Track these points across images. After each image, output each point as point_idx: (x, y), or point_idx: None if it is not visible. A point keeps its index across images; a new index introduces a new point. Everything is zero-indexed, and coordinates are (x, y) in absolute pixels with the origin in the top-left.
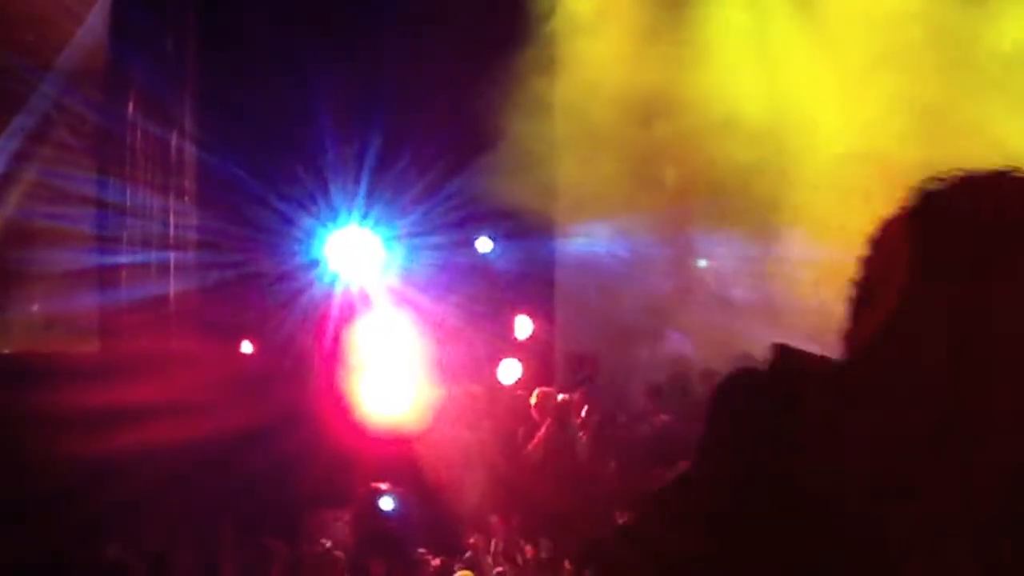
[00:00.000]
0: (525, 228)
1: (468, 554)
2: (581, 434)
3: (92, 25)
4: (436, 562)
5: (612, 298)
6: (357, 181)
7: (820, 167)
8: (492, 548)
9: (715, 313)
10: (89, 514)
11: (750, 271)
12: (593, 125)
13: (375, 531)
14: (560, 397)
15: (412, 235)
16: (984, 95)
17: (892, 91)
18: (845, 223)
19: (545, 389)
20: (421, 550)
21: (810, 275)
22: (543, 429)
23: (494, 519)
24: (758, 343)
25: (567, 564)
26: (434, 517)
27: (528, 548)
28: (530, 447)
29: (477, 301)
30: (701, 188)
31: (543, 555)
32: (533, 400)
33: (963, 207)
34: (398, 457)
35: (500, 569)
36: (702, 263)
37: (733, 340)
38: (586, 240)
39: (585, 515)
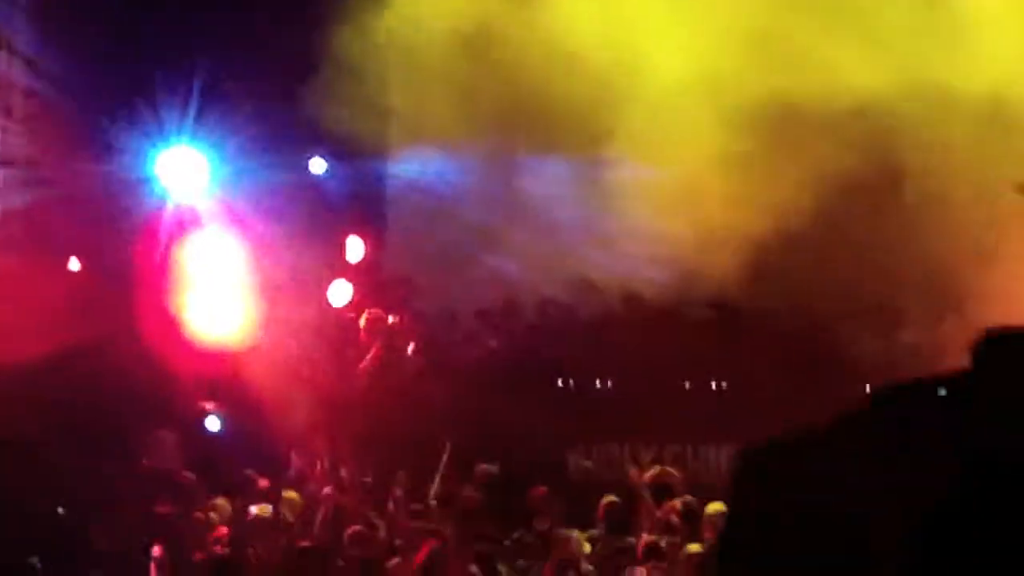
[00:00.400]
0: (358, 152)
1: (291, 473)
2: (409, 356)
3: None
4: (263, 483)
5: (442, 222)
6: (187, 100)
7: (653, 96)
8: (317, 469)
9: (543, 238)
10: None
11: (581, 197)
12: (425, 54)
13: (201, 451)
14: (390, 320)
15: (243, 155)
16: (821, 25)
17: (728, 21)
18: (679, 152)
19: (374, 311)
20: (248, 471)
21: (642, 201)
22: (372, 351)
23: (320, 440)
24: (589, 267)
25: (393, 488)
26: (260, 438)
27: (351, 470)
28: (359, 368)
29: (309, 222)
30: (533, 117)
31: (368, 478)
32: (362, 322)
33: None
34: (225, 376)
35: (327, 491)
36: (531, 189)
37: (562, 265)
38: (417, 165)
39: (411, 437)
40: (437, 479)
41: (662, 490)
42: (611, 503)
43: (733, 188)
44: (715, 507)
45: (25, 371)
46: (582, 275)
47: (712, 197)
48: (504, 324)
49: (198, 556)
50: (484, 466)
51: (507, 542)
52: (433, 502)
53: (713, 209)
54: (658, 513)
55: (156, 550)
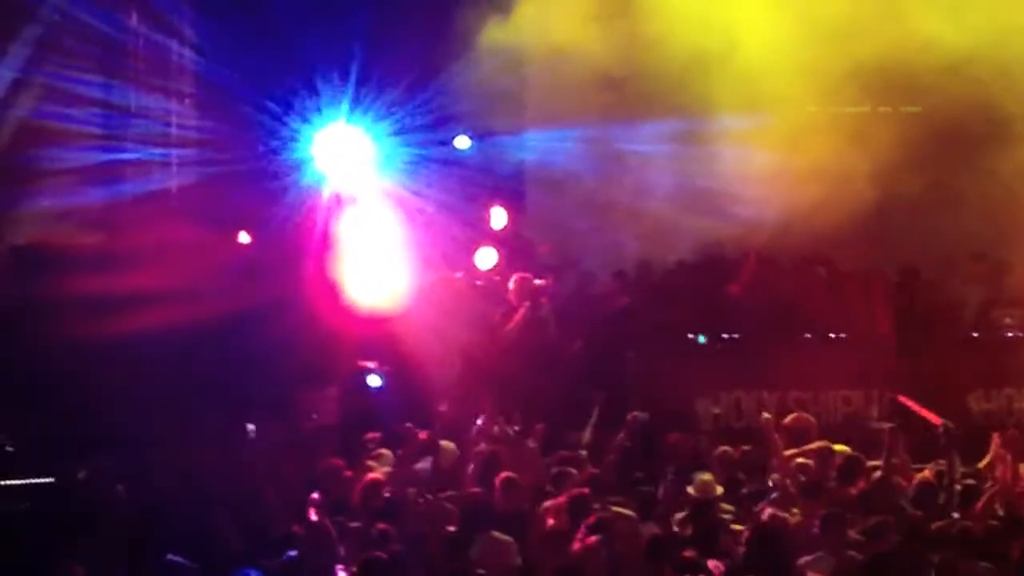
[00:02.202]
0: (499, 128)
1: (439, 426)
2: (553, 313)
3: None
4: (423, 435)
5: (572, 192)
6: (344, 83)
7: (755, 63)
8: (472, 423)
9: (663, 205)
10: (92, 394)
11: (695, 167)
12: (556, 37)
13: (362, 407)
14: (536, 282)
15: (395, 133)
16: None
17: None
18: (783, 114)
19: (522, 274)
20: (407, 424)
21: (752, 166)
22: (520, 311)
23: (472, 397)
24: (708, 230)
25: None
26: (415, 394)
27: (502, 423)
28: (507, 328)
29: (455, 194)
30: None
31: (515, 429)
32: (511, 284)
33: None
34: (382, 338)
35: (483, 447)
36: (650, 159)
37: (683, 228)
38: (553, 140)
39: (552, 392)
40: (589, 428)
41: (797, 435)
42: (744, 450)
43: (838, 147)
44: (841, 448)
45: (198, 335)
46: (703, 238)
47: (817, 156)
48: (638, 283)
49: (358, 502)
50: (636, 413)
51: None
52: (583, 452)
53: (819, 168)
54: (798, 457)
55: (315, 496)
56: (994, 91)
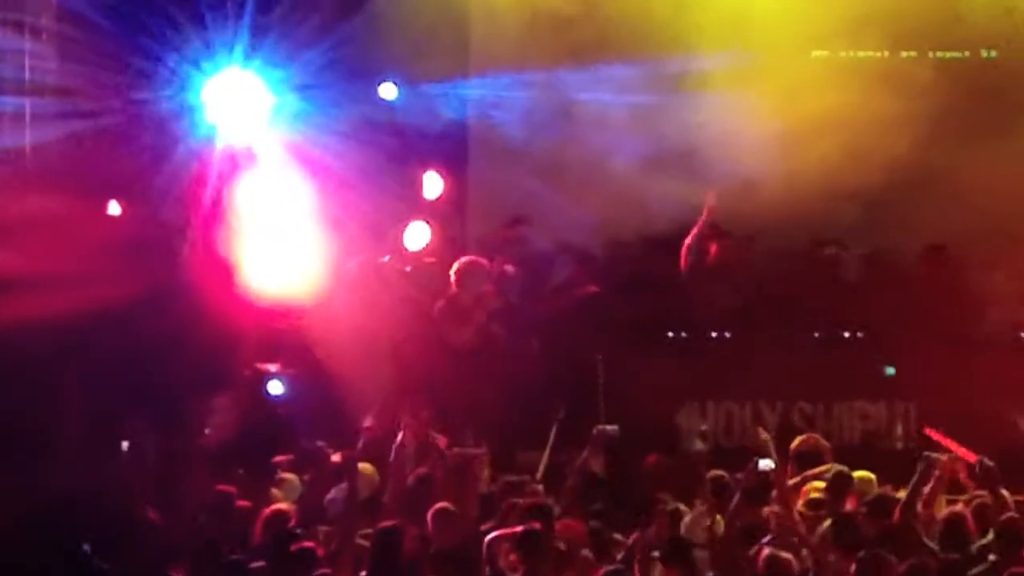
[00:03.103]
0: (433, 76)
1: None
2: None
3: None
4: (336, 457)
5: (528, 155)
6: (239, 18)
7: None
8: (399, 441)
9: (639, 174)
10: None
11: (656, 118)
12: None
13: (262, 420)
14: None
15: (304, 79)
16: None
17: None
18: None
19: (471, 258)
20: (319, 442)
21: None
22: (463, 303)
23: (401, 409)
24: (693, 207)
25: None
26: (329, 405)
27: (442, 440)
28: (446, 325)
29: (379, 156)
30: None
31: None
32: (454, 271)
33: None
34: (289, 335)
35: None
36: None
37: (663, 203)
38: (501, 91)
39: (501, 403)
40: (547, 451)
41: (806, 459)
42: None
43: (853, 96)
44: (862, 475)
45: (60, 333)
46: (683, 209)
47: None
48: (607, 267)
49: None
50: (602, 427)
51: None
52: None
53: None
54: (803, 485)
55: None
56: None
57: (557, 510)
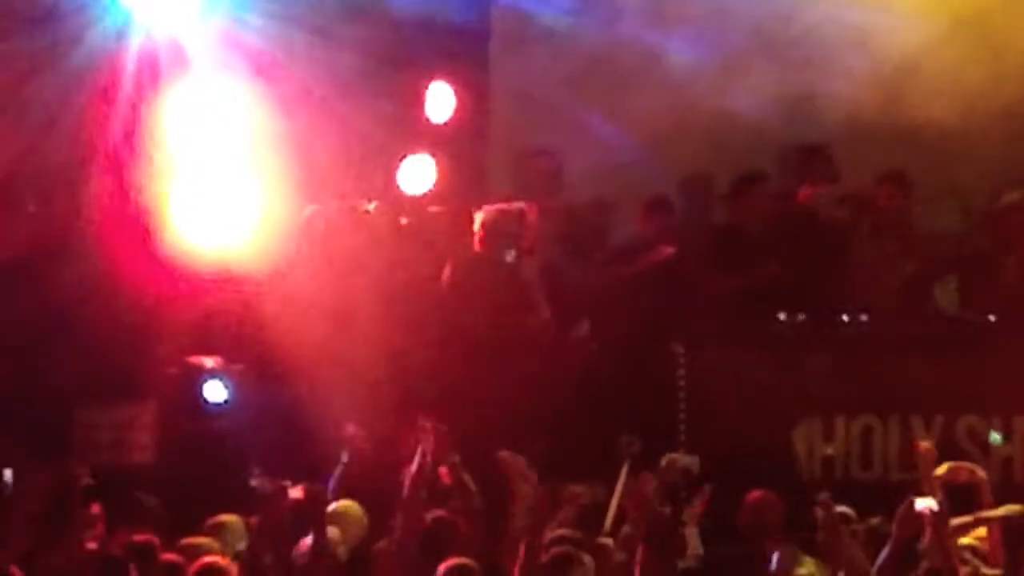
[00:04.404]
0: None
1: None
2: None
3: None
4: (296, 492)
5: (567, 60)
6: None
7: None
8: (417, 466)
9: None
10: None
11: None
12: None
13: (195, 437)
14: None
15: None
16: None
17: None
18: None
19: (501, 207)
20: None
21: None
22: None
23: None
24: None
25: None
26: (291, 415)
27: (443, 471)
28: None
29: (367, 59)
30: None
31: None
32: (477, 224)
33: None
34: (233, 317)
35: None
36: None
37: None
38: None
39: (542, 418)
40: (615, 496)
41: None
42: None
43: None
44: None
45: None
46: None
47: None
48: (689, 216)
49: None
50: (675, 456)
51: None
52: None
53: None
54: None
55: None
56: None
57: None
